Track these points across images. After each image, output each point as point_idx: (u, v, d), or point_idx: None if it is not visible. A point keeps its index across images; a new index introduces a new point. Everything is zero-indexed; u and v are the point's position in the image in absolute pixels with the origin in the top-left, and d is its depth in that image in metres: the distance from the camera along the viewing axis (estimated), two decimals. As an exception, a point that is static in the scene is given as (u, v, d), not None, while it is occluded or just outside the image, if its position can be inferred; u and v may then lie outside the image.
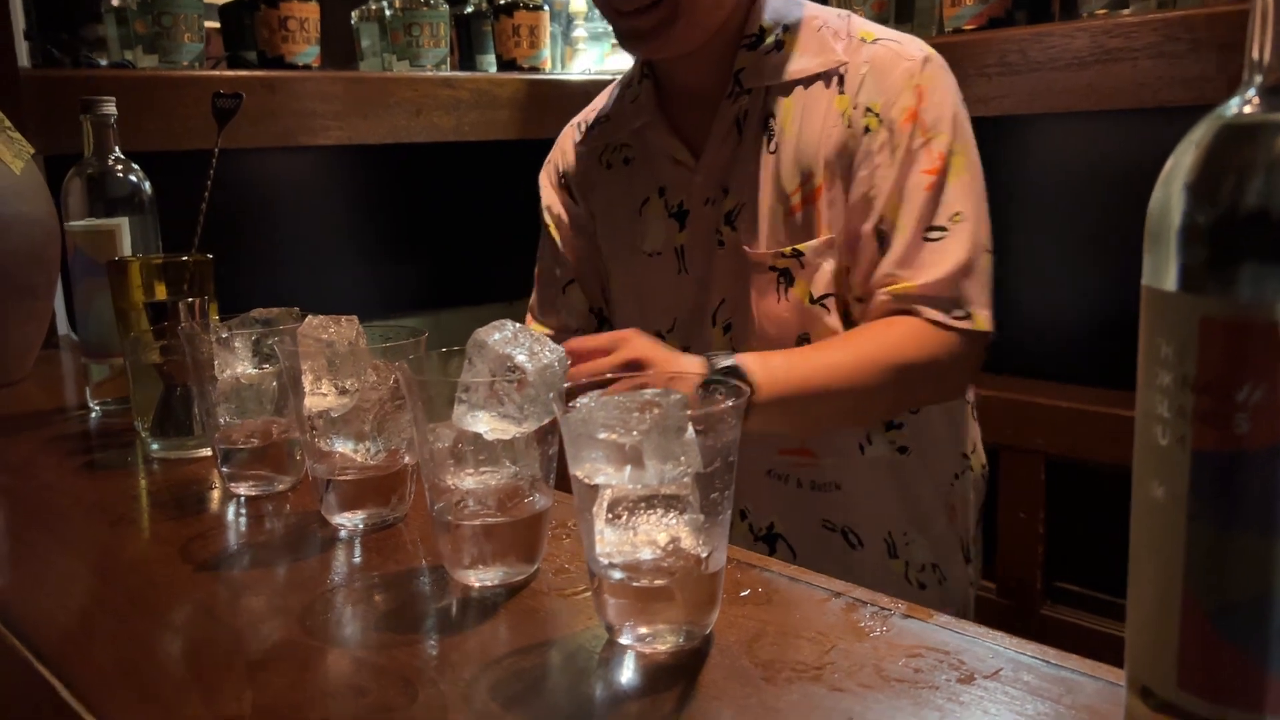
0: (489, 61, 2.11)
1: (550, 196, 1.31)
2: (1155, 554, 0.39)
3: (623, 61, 2.33)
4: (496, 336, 0.65)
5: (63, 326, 1.64)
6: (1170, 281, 0.37)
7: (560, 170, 1.30)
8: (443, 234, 2.23)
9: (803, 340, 1.10)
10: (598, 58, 2.35)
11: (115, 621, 0.63)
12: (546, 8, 2.10)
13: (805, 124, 1.10)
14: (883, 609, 0.60)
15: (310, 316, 0.76)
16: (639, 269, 1.22)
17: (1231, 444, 0.36)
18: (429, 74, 1.91)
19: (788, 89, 1.12)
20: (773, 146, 1.12)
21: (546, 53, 2.10)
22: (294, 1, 1.76)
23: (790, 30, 1.13)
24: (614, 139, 1.25)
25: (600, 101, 1.32)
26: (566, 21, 2.34)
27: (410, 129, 1.85)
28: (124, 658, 0.58)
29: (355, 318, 0.76)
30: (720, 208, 1.15)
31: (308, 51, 1.78)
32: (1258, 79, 0.37)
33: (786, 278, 1.10)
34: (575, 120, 1.33)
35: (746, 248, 1.12)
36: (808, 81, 1.11)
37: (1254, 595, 0.37)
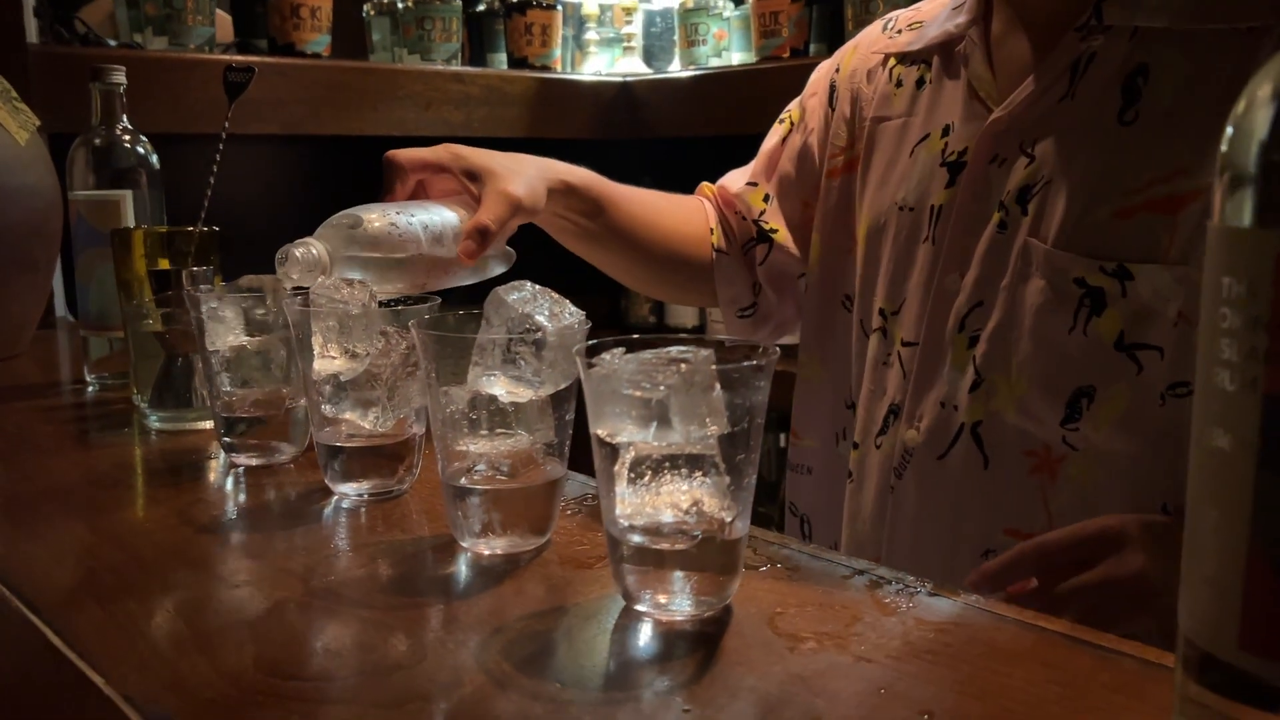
0: (500, 59, 2.10)
1: (810, 95, 1.09)
2: (1219, 506, 0.37)
3: (632, 64, 2.32)
4: (515, 295, 0.63)
5: (59, 309, 1.62)
6: (1246, 217, 0.36)
7: (836, 70, 1.06)
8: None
9: (1082, 395, 0.81)
10: (608, 61, 2.35)
11: (115, 580, 0.60)
12: (559, 7, 2.09)
13: (1198, 96, 0.78)
14: (908, 586, 0.58)
15: (323, 279, 0.74)
16: (882, 221, 0.96)
17: (1306, 387, 0.34)
18: (439, 68, 1.90)
19: (1176, 38, 0.80)
20: (1131, 115, 0.81)
21: (558, 52, 2.09)
22: (307, -11, 1.74)
23: None
24: (917, 49, 0.97)
25: (928, 5, 1.02)
26: (579, 24, 2.34)
27: (419, 122, 1.83)
28: (124, 615, 0.55)
29: (366, 280, 0.74)
30: (1012, 174, 0.86)
31: (318, 40, 1.77)
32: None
33: (1095, 301, 0.80)
34: (890, 15, 1.05)
35: (1042, 242, 0.83)
36: (1215, 34, 0.78)
37: (1325, 548, 0.35)
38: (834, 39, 1.91)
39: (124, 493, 0.78)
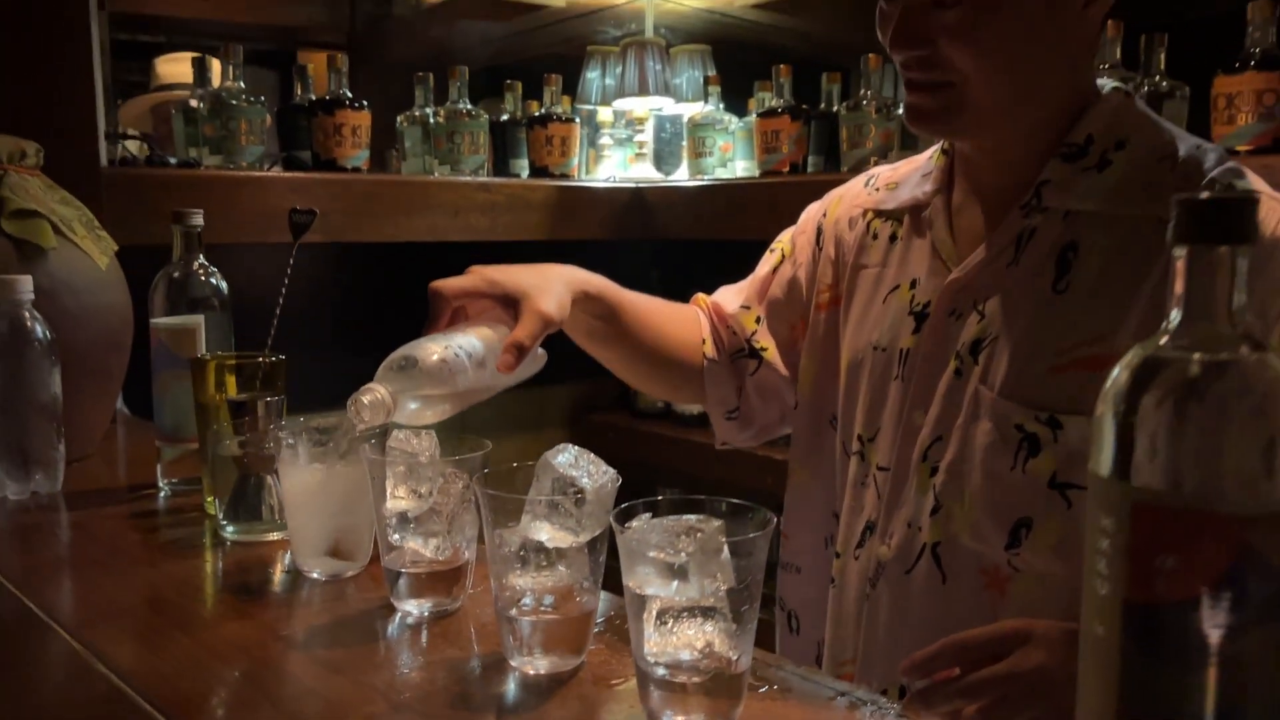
0: (522, 165, 2.26)
1: (800, 232, 1.22)
2: (1098, 676, 0.51)
3: (644, 171, 2.49)
4: (560, 459, 0.77)
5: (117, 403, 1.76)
6: (1108, 469, 0.49)
7: (824, 214, 1.19)
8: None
9: (1021, 525, 0.93)
10: (621, 162, 2.52)
11: (229, 693, 0.73)
12: (577, 120, 2.25)
13: (1118, 272, 0.90)
14: (880, 708, 0.71)
15: (395, 430, 0.88)
16: (860, 358, 1.09)
17: (1153, 597, 0.48)
18: (467, 179, 2.06)
19: (1101, 221, 0.93)
20: (1063, 284, 0.94)
21: (576, 160, 2.26)
22: (348, 110, 1.91)
23: (1124, 150, 0.95)
24: (890, 208, 1.11)
25: (904, 166, 1.16)
26: (594, 128, 2.51)
27: (449, 228, 1.99)
28: (232, 703, 0.68)
29: (433, 432, 0.88)
30: (966, 328, 0.99)
31: (358, 155, 1.93)
32: (1175, 314, 0.50)
33: (1032, 444, 0.92)
34: (874, 170, 1.19)
35: (990, 390, 0.95)
36: (1132, 219, 0.92)
37: (1169, 712, 0.48)
38: (830, 155, 2.07)
39: (217, 606, 0.91)
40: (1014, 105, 0.95)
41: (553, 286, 1.03)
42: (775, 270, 1.23)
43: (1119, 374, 0.50)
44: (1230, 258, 0.49)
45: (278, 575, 0.98)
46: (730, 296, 1.26)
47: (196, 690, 0.74)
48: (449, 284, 1.01)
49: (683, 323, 1.24)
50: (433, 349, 0.94)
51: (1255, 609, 0.46)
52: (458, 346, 0.95)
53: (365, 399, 0.89)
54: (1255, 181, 0.94)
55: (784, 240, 1.24)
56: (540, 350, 1.05)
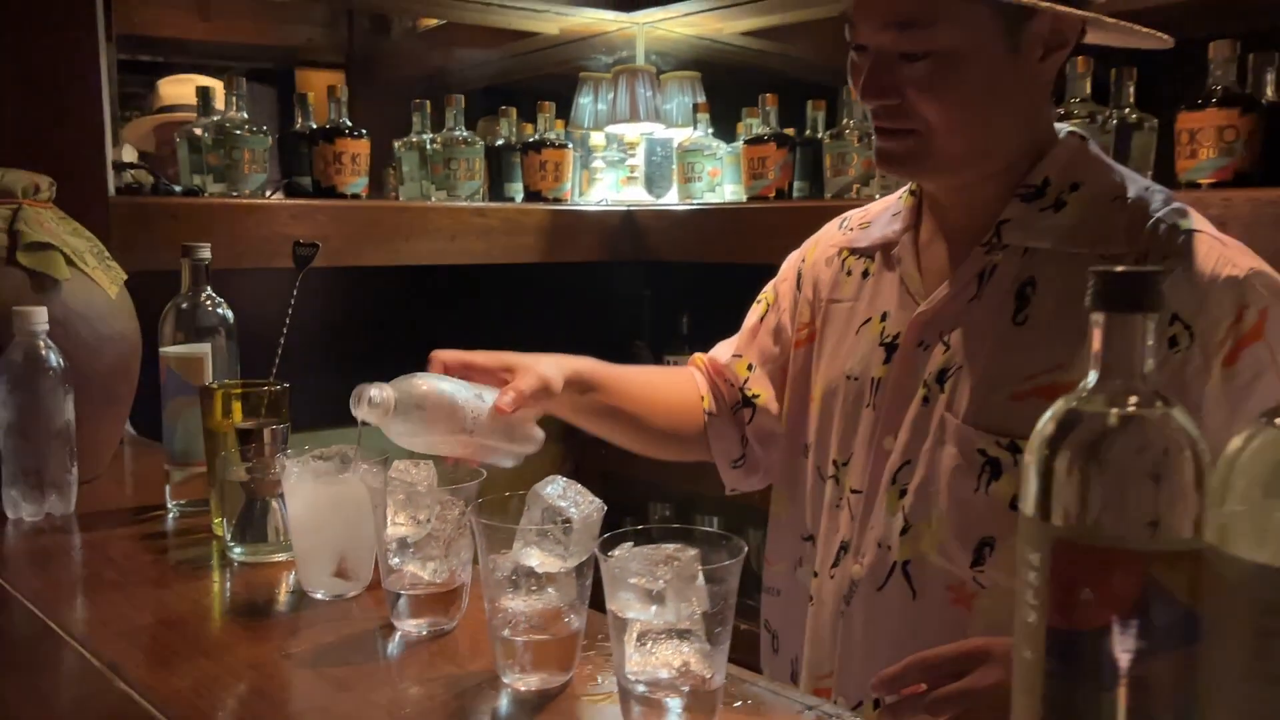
0: (516, 189, 2.33)
1: (783, 280, 1.28)
2: (1028, 695, 0.57)
3: (636, 194, 2.55)
4: (549, 490, 0.83)
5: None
6: (1032, 509, 0.55)
7: (803, 260, 1.26)
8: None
9: (985, 544, 1.00)
10: (613, 184, 2.58)
11: (243, 710, 0.79)
12: (570, 145, 2.32)
13: (1072, 306, 0.89)
14: (845, 721, 0.77)
15: (395, 461, 0.94)
16: (834, 387, 1.15)
17: (1072, 624, 0.54)
18: (463, 204, 2.12)
19: (1057, 258, 0.99)
20: (1022, 318, 1.00)
21: (569, 185, 2.32)
22: (348, 139, 1.97)
23: (1078, 191, 1.01)
24: (863, 246, 1.18)
25: (875, 206, 1.23)
26: (586, 152, 2.57)
27: (446, 252, 2.05)
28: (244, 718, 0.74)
29: (430, 462, 0.94)
30: (932, 358, 1.05)
31: (358, 183, 1.99)
32: (1093, 373, 0.56)
33: (994, 468, 0.99)
34: (845, 215, 1.26)
35: (955, 417, 1.02)
36: (1085, 257, 0.96)
37: (1088, 729, 0.54)
38: (815, 180, 2.14)
39: (227, 625, 0.97)
40: (977, 151, 1.02)
41: (544, 362, 1.09)
42: (762, 319, 1.29)
43: (1045, 424, 0.56)
44: (1142, 324, 0.55)
45: (283, 595, 1.04)
46: (723, 350, 1.32)
47: (209, 704, 0.80)
48: (450, 354, 1.06)
49: (679, 387, 1.29)
50: (451, 387, 0.99)
51: (1159, 636, 0.52)
52: (475, 394, 1.00)
53: (372, 393, 0.93)
54: (1198, 221, 1.00)
55: (768, 291, 1.31)
56: (539, 431, 1.09)
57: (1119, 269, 0.55)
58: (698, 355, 1.34)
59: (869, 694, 1.07)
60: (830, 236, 1.25)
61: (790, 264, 1.29)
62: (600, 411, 1.21)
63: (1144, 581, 0.52)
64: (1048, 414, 0.56)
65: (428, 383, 0.98)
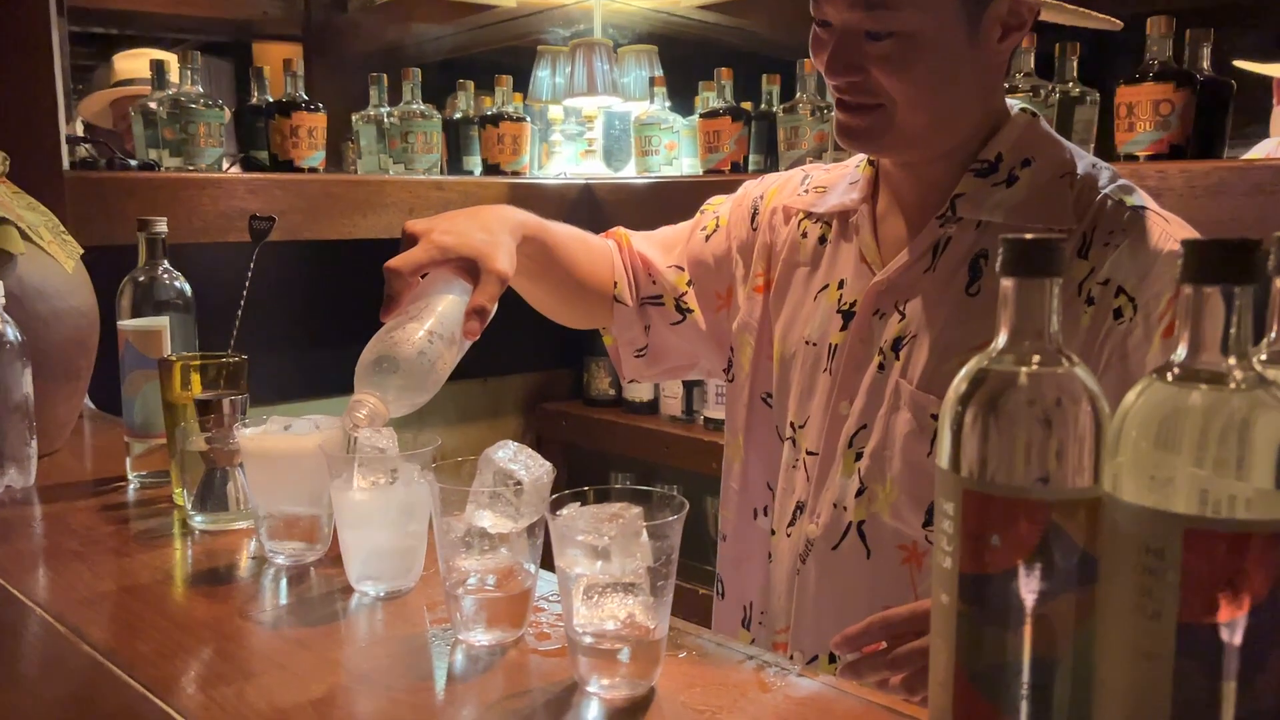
0: (475, 162, 2.34)
1: (736, 205, 1.29)
2: (942, 638, 0.61)
3: (594, 166, 2.57)
4: (501, 454, 0.86)
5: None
6: (946, 462, 0.59)
7: (761, 197, 1.27)
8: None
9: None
10: (572, 158, 2.60)
11: (206, 670, 0.82)
12: (528, 119, 2.33)
13: None
14: (782, 668, 0.81)
15: (362, 430, 0.96)
16: (792, 351, 1.18)
17: (983, 568, 0.58)
18: (421, 177, 2.13)
19: (1010, 231, 1.04)
20: (975, 288, 1.04)
21: (528, 158, 2.34)
22: (304, 112, 1.97)
23: (1030, 167, 1.05)
24: (820, 212, 1.20)
25: (836, 169, 1.25)
26: (545, 125, 2.59)
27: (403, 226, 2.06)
28: (221, 698, 0.77)
29: (392, 429, 0.96)
30: (888, 326, 1.09)
31: (315, 156, 2.00)
32: (1003, 334, 0.59)
33: None
34: (811, 167, 1.28)
35: (909, 384, 1.06)
36: (1035, 231, 0.95)
37: (997, 666, 0.58)
38: (770, 153, 2.17)
39: (189, 590, 1.00)
40: (935, 128, 1.05)
41: (500, 240, 1.06)
42: (709, 239, 1.30)
43: (958, 382, 0.60)
44: (1048, 288, 0.58)
45: (244, 561, 1.06)
46: (658, 253, 1.31)
47: (174, 666, 0.83)
48: (406, 261, 1.03)
49: (595, 258, 1.28)
50: (409, 342, 0.97)
51: (1060, 577, 0.56)
52: (430, 333, 0.99)
53: (361, 414, 0.94)
54: (1143, 198, 1.05)
55: (721, 211, 1.31)
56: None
57: (1026, 236, 0.58)
58: (621, 232, 1.33)
59: (824, 648, 1.12)
60: (791, 190, 1.26)
61: (747, 194, 1.29)
62: (534, 273, 1.20)
63: (1046, 527, 0.56)
64: (961, 373, 0.60)
65: (398, 361, 0.96)
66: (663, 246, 1.33)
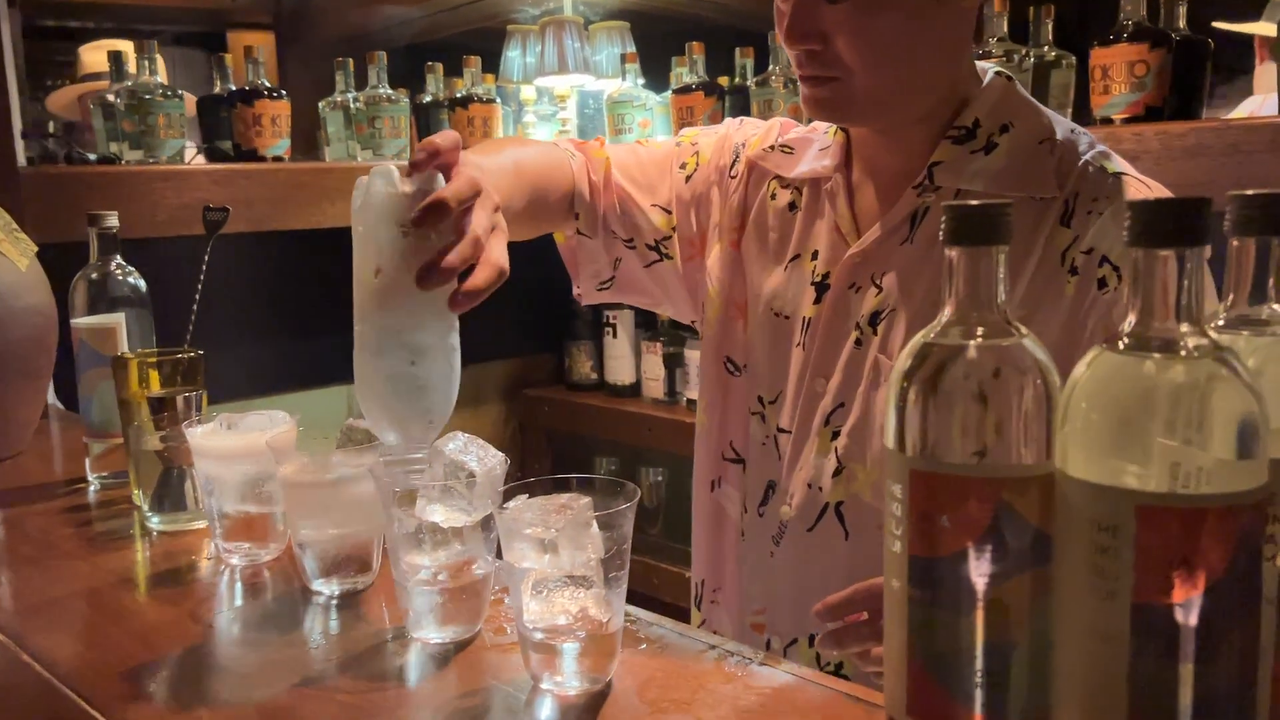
0: (445, 146, 2.30)
1: (717, 145, 1.22)
2: (894, 622, 0.58)
3: (569, 145, 2.53)
4: (451, 446, 0.83)
5: (49, 396, 1.79)
6: (892, 442, 0.57)
7: (744, 146, 1.20)
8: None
9: None
10: (547, 137, 2.56)
11: (157, 682, 0.80)
12: (499, 100, 2.29)
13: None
14: (744, 659, 0.78)
15: (298, 430, 0.93)
16: (762, 322, 1.14)
17: (932, 551, 0.55)
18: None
19: (989, 200, 1.05)
20: None
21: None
22: (267, 100, 1.93)
23: (1009, 133, 1.02)
24: (789, 177, 1.15)
25: (808, 130, 1.18)
26: (519, 106, 2.55)
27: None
28: (171, 710, 0.74)
29: (332, 435, 0.93)
30: (865, 300, 1.06)
31: (279, 145, 1.96)
32: (949, 307, 0.57)
33: None
34: (786, 130, 1.20)
35: (888, 359, 1.03)
36: (1016, 199, 0.93)
37: (951, 652, 0.56)
38: (745, 128, 2.13)
39: (146, 596, 0.97)
40: (902, 94, 1.02)
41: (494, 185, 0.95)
42: (689, 179, 1.23)
43: (903, 358, 0.57)
44: (994, 256, 0.56)
45: (202, 563, 1.03)
46: (641, 192, 1.23)
47: (117, 673, 0.80)
48: (453, 190, 0.88)
49: (551, 172, 1.20)
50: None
51: (1013, 558, 0.54)
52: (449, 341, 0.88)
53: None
54: (1121, 164, 1.01)
55: (702, 146, 1.24)
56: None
57: (970, 204, 0.55)
58: (602, 156, 1.25)
59: (803, 631, 1.10)
60: (765, 143, 1.19)
61: (727, 135, 1.23)
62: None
63: (996, 506, 0.53)
64: (906, 348, 0.57)
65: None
66: (645, 183, 1.25)
